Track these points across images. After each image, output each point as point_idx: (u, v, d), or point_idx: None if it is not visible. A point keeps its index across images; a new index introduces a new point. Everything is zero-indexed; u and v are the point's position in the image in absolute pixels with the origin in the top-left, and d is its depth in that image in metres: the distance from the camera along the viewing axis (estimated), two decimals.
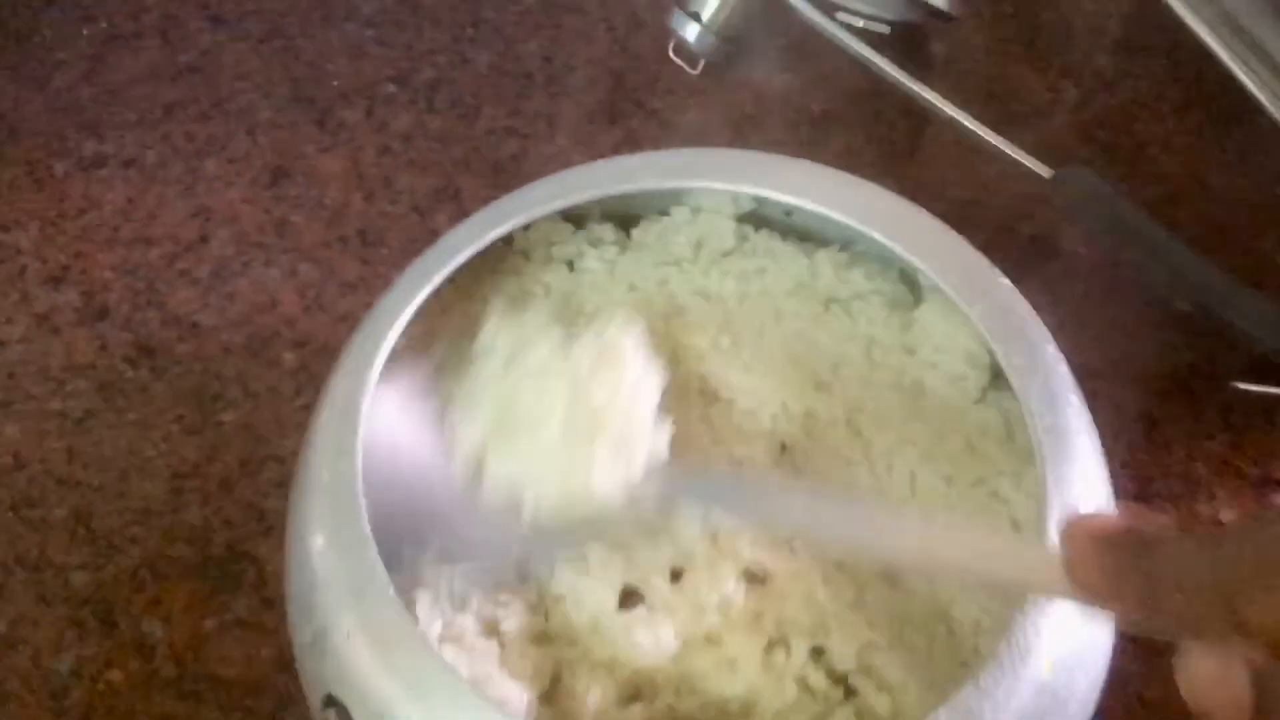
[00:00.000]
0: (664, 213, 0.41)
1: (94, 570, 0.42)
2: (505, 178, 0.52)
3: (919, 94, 0.52)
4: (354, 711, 0.30)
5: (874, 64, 0.53)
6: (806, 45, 0.55)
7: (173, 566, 0.43)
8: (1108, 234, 0.50)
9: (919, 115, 0.54)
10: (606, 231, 0.41)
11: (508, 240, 0.39)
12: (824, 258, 0.40)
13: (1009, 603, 0.35)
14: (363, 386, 0.34)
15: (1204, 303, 0.47)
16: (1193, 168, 0.53)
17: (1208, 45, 0.53)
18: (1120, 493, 0.35)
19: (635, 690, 0.34)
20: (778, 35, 0.57)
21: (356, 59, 0.56)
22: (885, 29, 0.53)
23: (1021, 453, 0.36)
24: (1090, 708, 0.32)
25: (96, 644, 0.41)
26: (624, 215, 0.41)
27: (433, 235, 0.51)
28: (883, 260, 0.40)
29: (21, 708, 0.40)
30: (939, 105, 0.52)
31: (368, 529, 0.32)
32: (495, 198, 0.48)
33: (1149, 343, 0.49)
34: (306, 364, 0.47)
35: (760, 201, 0.39)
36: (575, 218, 0.40)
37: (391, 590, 0.31)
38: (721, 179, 0.39)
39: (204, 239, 0.50)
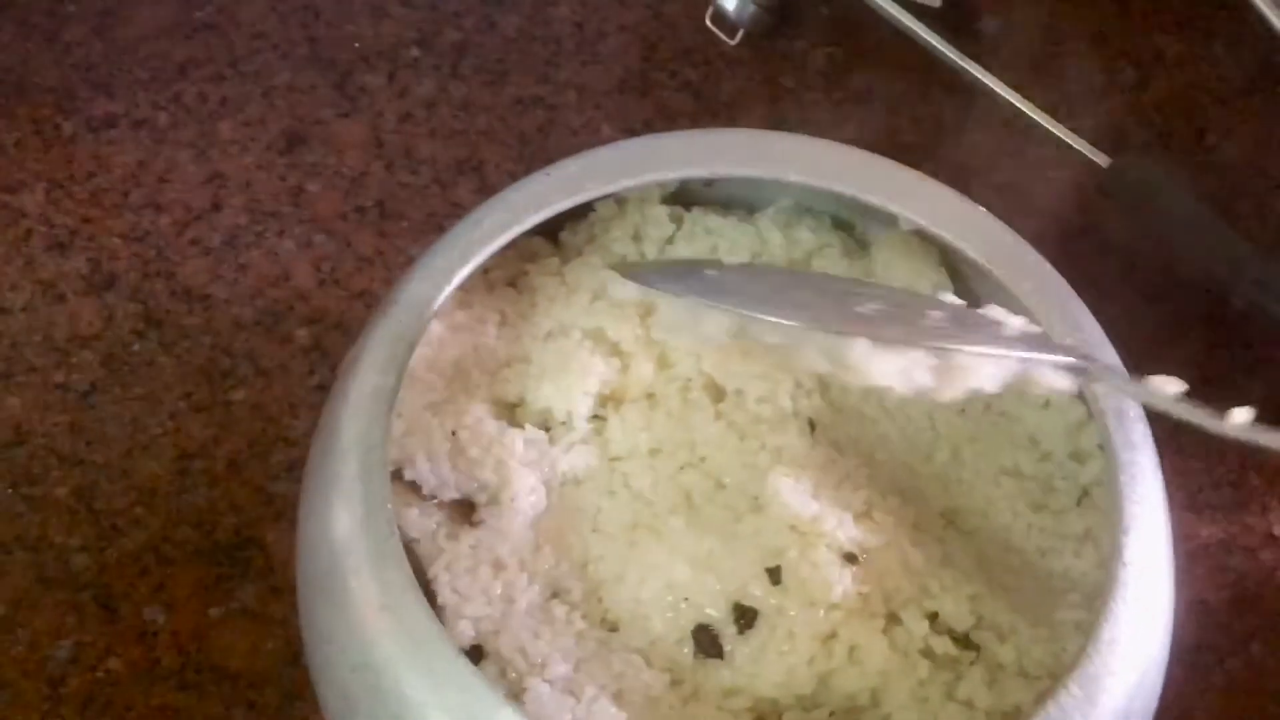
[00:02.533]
0: (588, 209, 0.38)
1: (96, 553, 0.41)
2: (531, 150, 0.50)
3: (969, 71, 0.50)
4: None
5: (922, 38, 0.50)
6: (851, 17, 0.53)
7: (177, 551, 0.41)
8: (1164, 226, 0.47)
9: (967, 94, 0.51)
10: (537, 243, 0.39)
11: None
12: (766, 223, 0.39)
13: (1061, 521, 0.35)
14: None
15: (1264, 302, 0.45)
16: (1255, 158, 0.51)
17: (1274, 26, 0.51)
18: (1168, 502, 0.34)
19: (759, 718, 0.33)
20: (821, 6, 0.54)
21: (379, 19, 0.53)
22: (936, 1, 0.51)
23: None
24: None
25: (96, 630, 0.40)
26: (545, 221, 0.36)
27: (454, 209, 0.49)
28: (814, 213, 0.39)
29: (17, 695, 0.38)
30: (989, 84, 0.50)
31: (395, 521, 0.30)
32: (519, 171, 0.46)
33: (1203, 343, 0.47)
34: (320, 341, 0.45)
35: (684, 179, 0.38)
36: None
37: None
38: (670, 169, 0.37)
39: (216, 206, 0.48)
